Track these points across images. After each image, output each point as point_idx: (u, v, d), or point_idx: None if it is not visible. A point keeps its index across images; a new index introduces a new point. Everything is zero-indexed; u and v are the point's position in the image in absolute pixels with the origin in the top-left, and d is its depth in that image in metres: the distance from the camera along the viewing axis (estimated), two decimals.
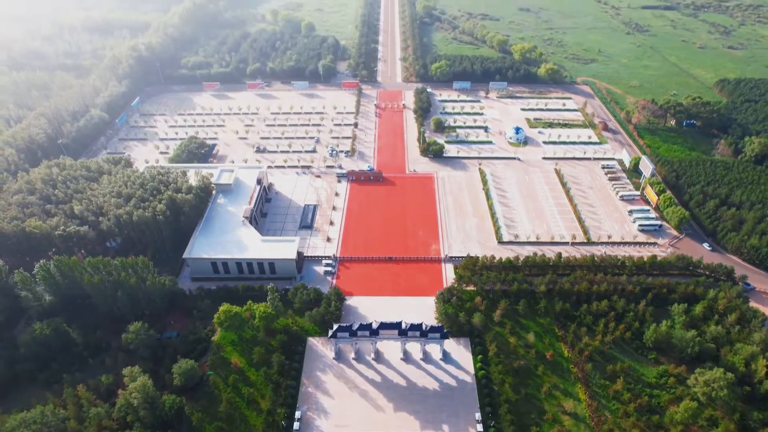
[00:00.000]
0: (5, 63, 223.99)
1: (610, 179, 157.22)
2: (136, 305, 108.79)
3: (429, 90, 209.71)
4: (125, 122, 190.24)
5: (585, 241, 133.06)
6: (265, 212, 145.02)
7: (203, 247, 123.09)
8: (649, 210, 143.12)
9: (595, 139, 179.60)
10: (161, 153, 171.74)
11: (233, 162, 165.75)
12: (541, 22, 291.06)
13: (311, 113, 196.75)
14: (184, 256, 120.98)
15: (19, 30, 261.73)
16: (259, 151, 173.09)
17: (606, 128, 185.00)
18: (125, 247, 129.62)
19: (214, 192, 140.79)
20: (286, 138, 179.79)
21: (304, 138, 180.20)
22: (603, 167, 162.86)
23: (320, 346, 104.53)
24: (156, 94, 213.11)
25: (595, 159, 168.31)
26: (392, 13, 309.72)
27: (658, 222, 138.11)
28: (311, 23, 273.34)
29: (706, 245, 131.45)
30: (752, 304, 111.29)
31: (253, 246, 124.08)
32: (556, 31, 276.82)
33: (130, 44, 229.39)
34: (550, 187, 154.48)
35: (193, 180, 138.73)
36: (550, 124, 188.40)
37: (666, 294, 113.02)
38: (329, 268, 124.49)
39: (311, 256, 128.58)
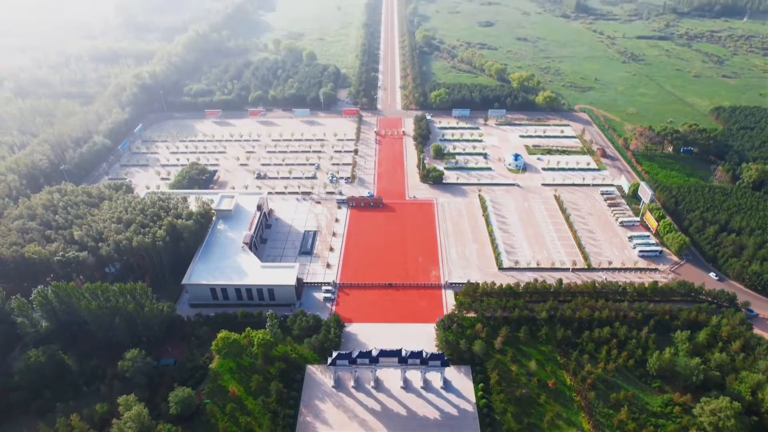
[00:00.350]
0: (12, 91, 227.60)
1: (610, 205, 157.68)
2: (134, 332, 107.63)
3: (428, 117, 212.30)
4: (127, 148, 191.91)
5: (585, 267, 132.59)
6: (265, 238, 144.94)
7: (202, 273, 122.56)
8: (649, 236, 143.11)
9: (593, 165, 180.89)
10: (162, 179, 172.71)
11: (234, 188, 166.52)
12: (538, 51, 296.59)
13: (312, 140, 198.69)
14: (183, 282, 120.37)
15: (26, 59, 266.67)
16: (259, 177, 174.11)
17: (604, 155, 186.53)
18: (124, 272, 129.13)
19: (214, 218, 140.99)
20: (287, 164, 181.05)
21: (304, 164, 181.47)
22: (602, 193, 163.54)
23: (319, 374, 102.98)
24: (158, 121, 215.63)
25: (594, 185, 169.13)
26: (392, 42, 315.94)
27: (659, 248, 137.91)
28: (312, 52, 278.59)
29: (712, 275, 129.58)
30: (756, 331, 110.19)
31: (253, 272, 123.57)
32: (553, 60, 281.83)
33: (134, 72, 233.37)
34: (549, 214, 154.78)
35: (193, 206, 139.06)
36: (549, 151, 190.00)
37: (669, 320, 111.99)
38: (329, 295, 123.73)
39: (311, 283, 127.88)
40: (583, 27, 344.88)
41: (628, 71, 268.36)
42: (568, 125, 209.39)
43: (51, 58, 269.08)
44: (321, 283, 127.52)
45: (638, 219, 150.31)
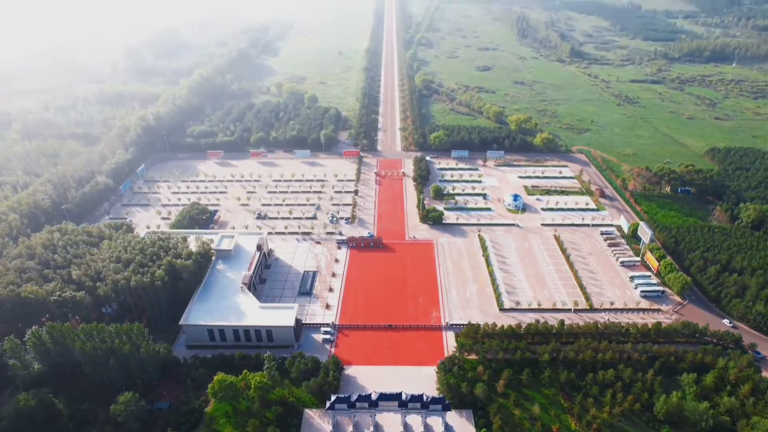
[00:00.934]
0: (19, 132, 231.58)
1: (610, 245, 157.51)
2: (128, 374, 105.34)
3: (428, 158, 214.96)
4: (129, 188, 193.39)
5: (587, 307, 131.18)
6: (264, 278, 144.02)
7: (200, 314, 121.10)
8: (650, 276, 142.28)
9: (592, 205, 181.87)
10: (163, 219, 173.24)
11: (234, 228, 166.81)
12: (535, 94, 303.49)
13: (312, 180, 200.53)
14: (181, 322, 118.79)
15: (35, 101, 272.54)
16: (260, 217, 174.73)
17: (603, 195, 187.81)
18: (121, 313, 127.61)
19: (213, 258, 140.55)
20: (287, 205, 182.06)
21: (304, 205, 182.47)
22: (602, 233, 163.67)
23: (317, 419, 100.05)
24: (161, 162, 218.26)
25: (593, 225, 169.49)
26: (392, 85, 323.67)
27: (660, 288, 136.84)
28: (314, 95, 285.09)
29: (726, 321, 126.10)
30: (765, 374, 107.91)
31: (251, 313, 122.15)
32: (550, 103, 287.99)
33: (139, 114, 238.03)
34: (550, 254, 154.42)
35: (193, 246, 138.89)
36: (548, 192, 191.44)
37: (674, 362, 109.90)
38: (328, 336, 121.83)
39: (310, 324, 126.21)
40: (578, 71, 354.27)
41: (623, 113, 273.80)
42: (566, 166, 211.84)
43: (59, 100, 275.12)
44: (320, 324, 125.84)
45: (639, 259, 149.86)
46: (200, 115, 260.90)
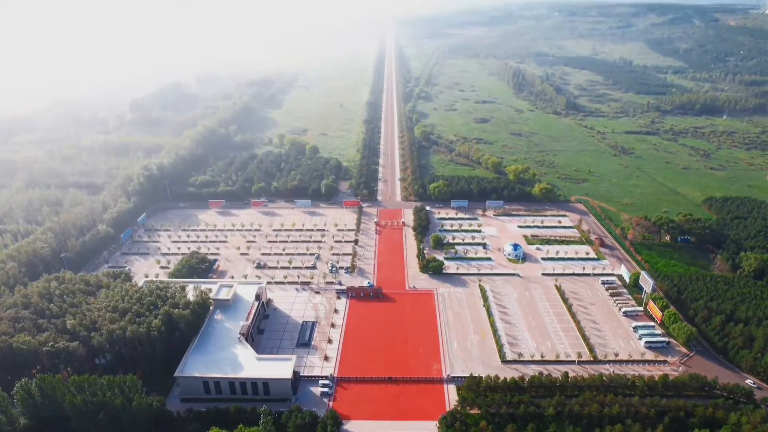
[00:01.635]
0: (24, 181, 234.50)
1: (612, 295, 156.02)
2: (119, 428, 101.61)
3: (428, 208, 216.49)
4: (129, 237, 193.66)
5: (591, 359, 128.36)
6: (263, 329, 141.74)
7: (196, 365, 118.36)
8: (654, 326, 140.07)
9: (593, 255, 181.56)
10: (162, 268, 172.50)
11: (233, 277, 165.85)
12: (533, 146, 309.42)
13: (312, 230, 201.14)
14: (176, 374, 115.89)
15: (42, 151, 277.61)
16: (259, 266, 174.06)
17: (603, 244, 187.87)
18: (115, 364, 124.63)
19: (212, 307, 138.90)
20: (287, 254, 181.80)
21: (304, 254, 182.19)
22: (603, 283, 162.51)
23: None
24: (162, 211, 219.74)
25: (594, 275, 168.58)
26: (392, 137, 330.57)
27: (665, 339, 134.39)
28: (315, 146, 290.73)
29: (749, 382, 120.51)
30: None
31: (248, 364, 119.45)
32: (547, 154, 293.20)
33: (142, 164, 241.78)
34: (551, 304, 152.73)
35: (191, 295, 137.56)
36: (548, 241, 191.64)
37: (684, 417, 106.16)
38: (326, 389, 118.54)
39: (308, 376, 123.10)
40: (574, 123, 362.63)
41: (620, 164, 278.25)
42: (565, 215, 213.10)
43: (65, 150, 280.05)
44: (318, 376, 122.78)
45: (641, 309, 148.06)
46: (203, 165, 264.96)
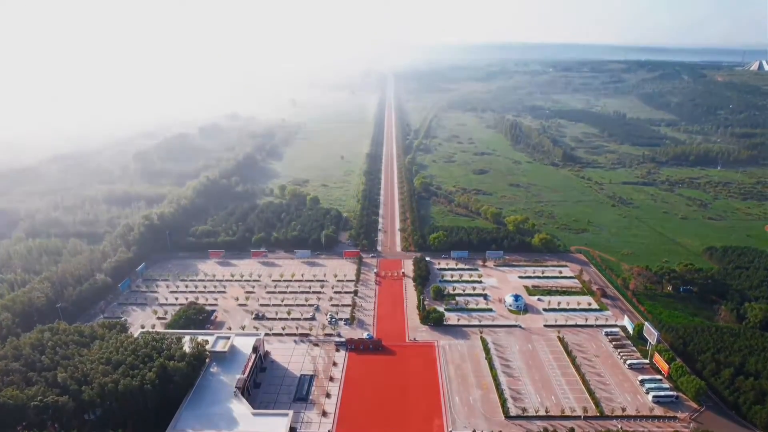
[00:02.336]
0: (25, 230, 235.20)
1: (616, 347, 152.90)
2: None
3: (428, 259, 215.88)
4: (127, 287, 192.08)
5: (598, 414, 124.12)
6: (259, 382, 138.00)
7: (189, 421, 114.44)
8: (661, 379, 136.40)
9: (594, 305, 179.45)
10: (158, 318, 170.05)
11: (230, 329, 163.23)
12: (531, 196, 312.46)
13: (312, 281, 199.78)
14: (168, 430, 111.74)
15: (45, 201, 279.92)
16: (257, 318, 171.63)
17: (604, 295, 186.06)
18: (105, 418, 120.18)
19: (208, 360, 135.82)
20: (286, 305, 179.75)
21: (303, 305, 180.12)
22: (606, 334, 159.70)
23: None
24: (162, 261, 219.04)
25: (597, 326, 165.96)
26: (392, 188, 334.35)
27: (673, 393, 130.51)
28: (316, 197, 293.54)
29: None
30: None
31: (243, 420, 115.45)
32: (546, 204, 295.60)
33: (144, 214, 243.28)
34: (554, 356, 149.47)
35: (187, 347, 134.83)
36: (549, 292, 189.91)
37: None
38: None
39: None
40: (571, 174, 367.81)
41: (618, 214, 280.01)
42: (565, 266, 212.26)
43: (68, 200, 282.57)
44: None
45: (647, 361, 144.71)
46: (204, 215, 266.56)
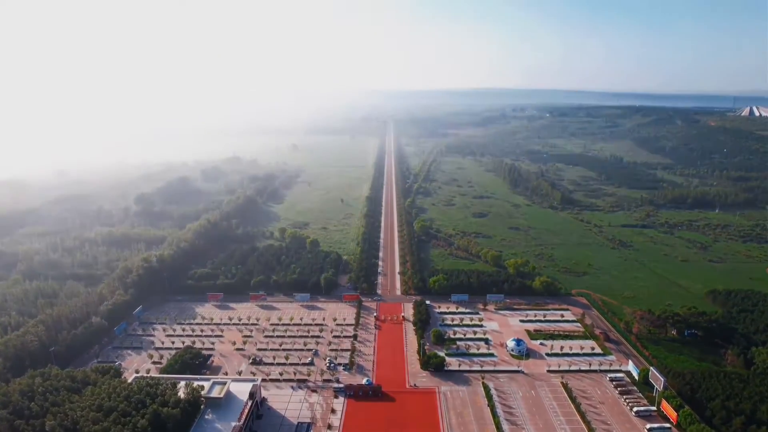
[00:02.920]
0: (22, 272, 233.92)
1: (621, 393, 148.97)
2: None
3: (428, 303, 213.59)
4: (123, 330, 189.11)
5: None
6: (255, 430, 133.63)
7: None
8: (670, 428, 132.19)
9: (598, 350, 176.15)
10: (154, 363, 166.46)
11: (227, 374, 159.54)
12: (531, 239, 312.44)
13: (311, 324, 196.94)
14: None
15: (44, 243, 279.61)
16: (255, 362, 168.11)
17: (607, 339, 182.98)
18: None
19: (203, 406, 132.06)
20: (284, 350, 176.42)
21: (302, 350, 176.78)
22: (611, 380, 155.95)
23: None
24: (159, 304, 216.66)
25: (601, 371, 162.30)
26: (392, 231, 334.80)
27: None
28: (316, 240, 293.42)
29: None
30: None
31: None
32: (546, 247, 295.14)
33: (143, 256, 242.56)
34: (558, 403, 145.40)
35: (182, 392, 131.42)
36: (551, 336, 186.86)
37: None
38: None
39: None
40: (571, 217, 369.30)
41: (619, 257, 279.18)
42: (567, 309, 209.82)
43: (68, 242, 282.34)
44: None
45: (654, 408, 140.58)
46: (204, 257, 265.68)
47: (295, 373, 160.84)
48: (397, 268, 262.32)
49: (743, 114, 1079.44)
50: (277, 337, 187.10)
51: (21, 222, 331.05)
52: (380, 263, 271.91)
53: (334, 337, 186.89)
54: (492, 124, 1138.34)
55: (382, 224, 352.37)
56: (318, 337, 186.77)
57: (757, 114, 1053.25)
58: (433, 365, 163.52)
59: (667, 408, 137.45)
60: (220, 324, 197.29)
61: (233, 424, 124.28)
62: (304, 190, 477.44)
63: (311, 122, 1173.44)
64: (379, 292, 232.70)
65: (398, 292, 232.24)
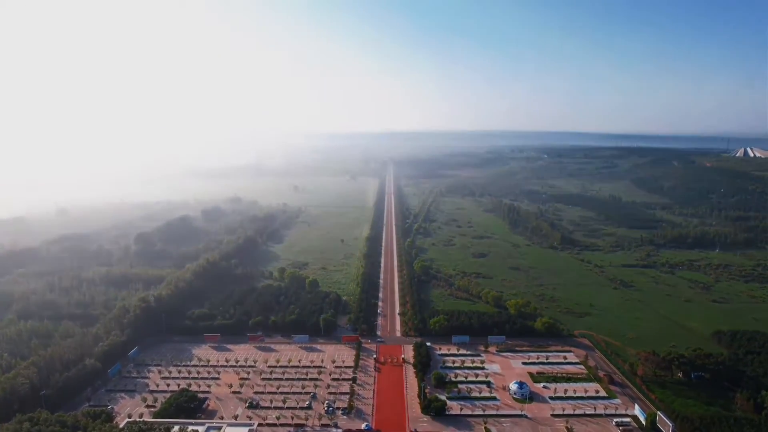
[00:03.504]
0: (17, 312, 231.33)
1: None
2: None
3: (428, 344, 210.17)
4: (117, 373, 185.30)
5: None
6: None
7: None
8: None
9: (602, 393, 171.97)
10: (147, 406, 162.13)
11: (223, 418, 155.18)
12: (531, 279, 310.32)
13: (309, 366, 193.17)
14: None
15: (42, 283, 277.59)
16: (251, 406, 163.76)
17: (612, 381, 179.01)
18: None
19: None
20: (281, 393, 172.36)
21: (299, 393, 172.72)
22: (618, 425, 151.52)
23: None
24: (156, 345, 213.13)
25: (607, 416, 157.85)
26: (392, 272, 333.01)
27: None
28: (315, 280, 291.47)
29: None
30: None
31: None
32: (547, 288, 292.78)
33: (140, 296, 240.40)
34: None
35: None
36: (555, 379, 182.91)
37: None
38: None
39: None
40: (571, 257, 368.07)
41: (621, 297, 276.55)
42: (570, 351, 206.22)
43: (65, 282, 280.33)
44: None
45: None
46: (202, 297, 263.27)
47: (292, 418, 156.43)
48: (397, 309, 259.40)
49: (738, 155, 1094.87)
50: (275, 379, 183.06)
51: (20, 262, 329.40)
52: (380, 304, 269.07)
53: (333, 379, 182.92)
54: (491, 165, 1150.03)
55: (382, 264, 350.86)
56: (316, 379, 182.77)
57: (751, 155, 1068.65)
58: (434, 409, 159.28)
59: None
60: (216, 366, 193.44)
61: None
62: (304, 230, 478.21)
63: (311, 162, 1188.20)
64: (378, 333, 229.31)
65: (398, 334, 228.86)
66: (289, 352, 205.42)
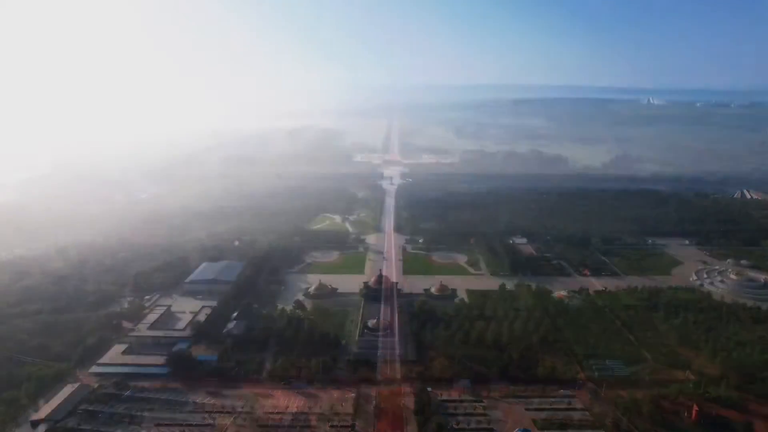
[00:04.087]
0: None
1: None
2: None
3: (429, 390, 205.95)
4: None
5: None
6: None
7: None
8: None
9: None
10: None
11: None
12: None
13: (306, 413, 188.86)
14: None
15: (38, 323, 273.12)
16: None
17: (619, 428, 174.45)
18: None
19: None
20: None
21: None
22: None
23: None
24: None
25: None
26: (392, 313, 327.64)
27: None
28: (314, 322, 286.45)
29: None
30: None
31: None
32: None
33: None
34: None
35: None
36: (560, 426, 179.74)
37: None
38: None
39: None
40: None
41: (626, 338, 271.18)
42: (574, 396, 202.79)
43: (59, 325, 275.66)
44: None
45: None
46: None
47: None
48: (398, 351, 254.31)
49: (735, 196, 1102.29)
50: (271, 427, 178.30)
51: (15, 302, 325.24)
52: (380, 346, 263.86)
53: (331, 427, 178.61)
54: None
55: (381, 312, 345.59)
56: (313, 427, 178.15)
57: (748, 197, 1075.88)
58: None
59: None
60: (212, 412, 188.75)
61: None
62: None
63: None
64: (379, 378, 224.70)
65: (399, 377, 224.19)
66: (285, 398, 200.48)
